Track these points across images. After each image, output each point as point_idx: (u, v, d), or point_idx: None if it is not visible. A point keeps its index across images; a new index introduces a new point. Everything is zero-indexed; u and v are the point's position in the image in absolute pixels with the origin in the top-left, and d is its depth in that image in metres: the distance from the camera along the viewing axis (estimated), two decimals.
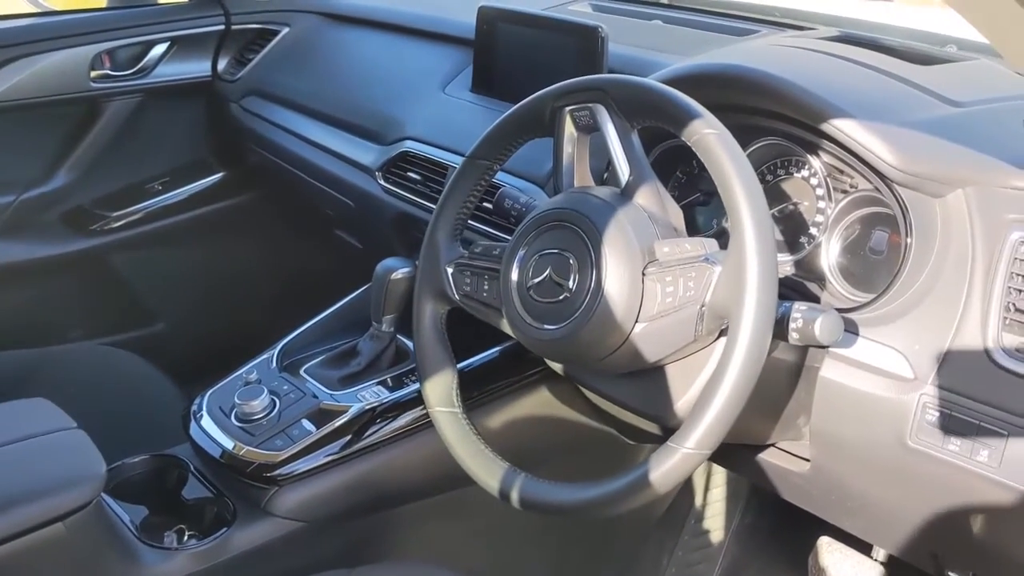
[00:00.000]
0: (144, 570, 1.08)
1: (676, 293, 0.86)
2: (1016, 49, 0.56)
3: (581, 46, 1.30)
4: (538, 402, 1.34)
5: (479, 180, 1.05)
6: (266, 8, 1.91)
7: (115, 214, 1.89)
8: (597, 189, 0.95)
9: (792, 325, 0.85)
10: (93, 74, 1.75)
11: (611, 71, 1.29)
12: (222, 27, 1.89)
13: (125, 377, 1.63)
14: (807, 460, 1.05)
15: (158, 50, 1.83)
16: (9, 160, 1.78)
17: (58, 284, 1.89)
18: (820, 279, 1.06)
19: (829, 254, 1.06)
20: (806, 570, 1.48)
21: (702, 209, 1.19)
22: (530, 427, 1.34)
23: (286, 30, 1.90)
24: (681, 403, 0.94)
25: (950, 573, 1.03)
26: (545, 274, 0.92)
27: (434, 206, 1.37)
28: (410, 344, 1.35)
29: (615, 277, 0.87)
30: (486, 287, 1.01)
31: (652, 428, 1.29)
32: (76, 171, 1.83)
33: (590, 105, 0.94)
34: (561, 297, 0.91)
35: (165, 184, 1.95)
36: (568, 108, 0.96)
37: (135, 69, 1.81)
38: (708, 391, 0.81)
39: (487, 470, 0.99)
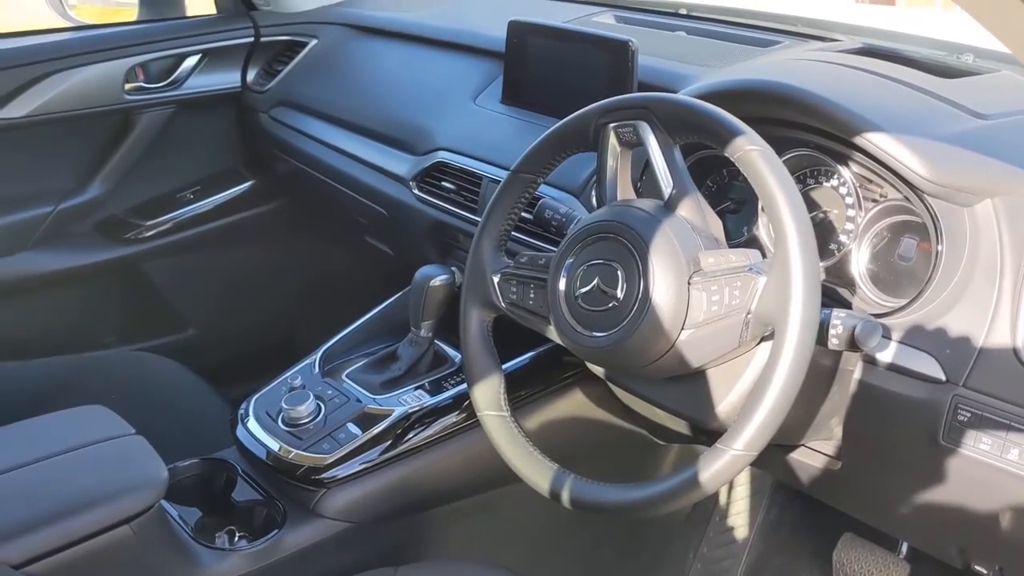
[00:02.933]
0: (201, 570, 1.13)
1: (722, 301, 0.90)
2: None
3: (612, 60, 1.33)
4: (572, 404, 1.38)
5: (523, 193, 1.09)
6: (294, 21, 1.95)
7: (148, 223, 1.93)
8: (641, 202, 0.98)
9: (832, 331, 0.89)
10: (127, 86, 1.79)
11: (641, 83, 1.32)
12: (251, 39, 1.92)
13: (162, 381, 1.67)
14: (838, 459, 1.09)
15: (189, 62, 1.86)
16: (46, 172, 1.82)
17: (93, 292, 1.93)
18: (850, 284, 1.09)
19: (859, 261, 1.09)
20: (830, 565, 1.51)
21: (732, 217, 1.22)
22: (565, 428, 1.38)
23: (314, 42, 1.93)
24: (723, 406, 0.97)
25: (977, 567, 1.06)
26: (593, 283, 0.96)
27: (469, 214, 1.43)
28: (448, 349, 1.39)
29: (662, 286, 0.91)
30: (532, 295, 1.05)
31: (682, 429, 1.33)
32: (110, 181, 1.87)
33: (633, 122, 0.97)
34: (609, 306, 0.95)
35: (196, 193, 1.98)
36: (612, 124, 0.99)
37: (168, 81, 1.85)
38: (756, 395, 0.85)
39: (537, 471, 1.02)
